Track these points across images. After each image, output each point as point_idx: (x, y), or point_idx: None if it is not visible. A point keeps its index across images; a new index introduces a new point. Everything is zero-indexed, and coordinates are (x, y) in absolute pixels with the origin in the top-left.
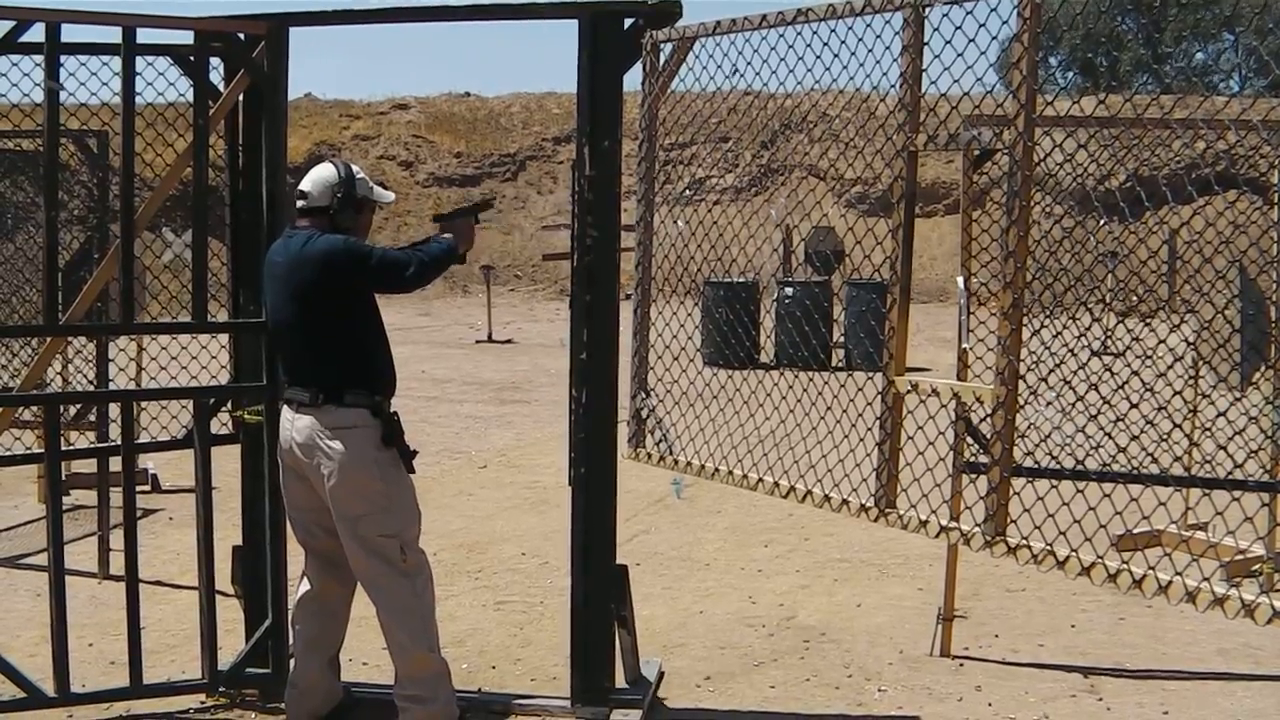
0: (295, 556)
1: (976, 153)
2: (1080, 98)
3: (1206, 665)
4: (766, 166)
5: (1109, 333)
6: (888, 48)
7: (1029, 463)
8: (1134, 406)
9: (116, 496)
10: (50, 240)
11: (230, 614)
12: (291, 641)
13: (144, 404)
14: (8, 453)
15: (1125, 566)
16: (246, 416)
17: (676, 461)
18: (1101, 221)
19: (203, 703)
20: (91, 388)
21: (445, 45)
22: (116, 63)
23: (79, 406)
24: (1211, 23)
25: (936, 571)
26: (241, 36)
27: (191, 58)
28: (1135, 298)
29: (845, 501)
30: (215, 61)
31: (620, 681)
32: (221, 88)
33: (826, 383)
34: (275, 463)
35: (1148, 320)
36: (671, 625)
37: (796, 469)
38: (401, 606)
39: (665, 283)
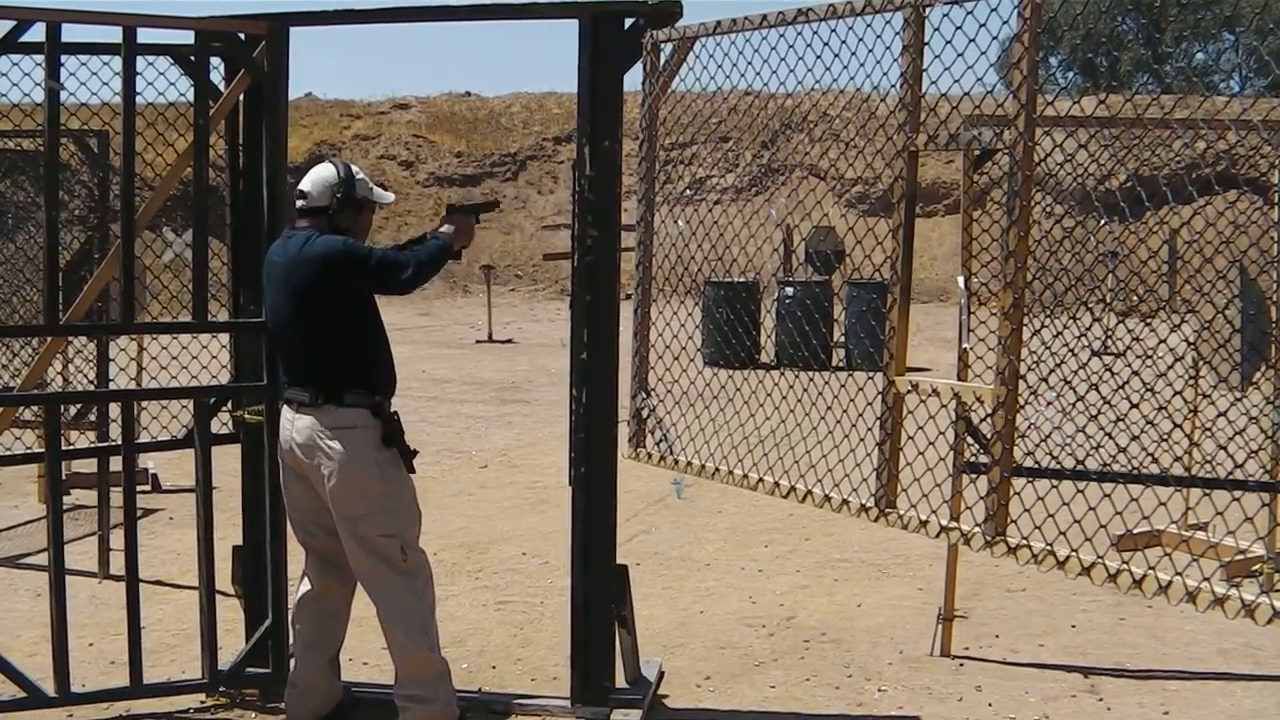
0: (295, 556)
1: (977, 153)
2: (1081, 98)
3: (1207, 665)
4: (767, 166)
5: (1109, 333)
6: (888, 48)
7: (1029, 463)
8: (1134, 406)
9: (117, 496)
10: (51, 240)
11: (230, 614)
12: (291, 641)
13: (144, 404)
14: (8, 452)
15: (1125, 566)
16: (247, 416)
17: (677, 461)
18: (1102, 221)
19: (203, 702)
20: (92, 387)
21: (446, 45)
22: (117, 62)
23: (79, 406)
24: (1212, 23)
25: (937, 571)
26: (242, 36)
27: (192, 57)
28: (1136, 298)
29: (845, 501)
30: (216, 61)
31: (620, 681)
32: (222, 87)
33: (827, 383)
34: (275, 462)
35: (1148, 320)
36: (672, 625)
37: (797, 469)
38: (401, 606)
39: (666, 282)
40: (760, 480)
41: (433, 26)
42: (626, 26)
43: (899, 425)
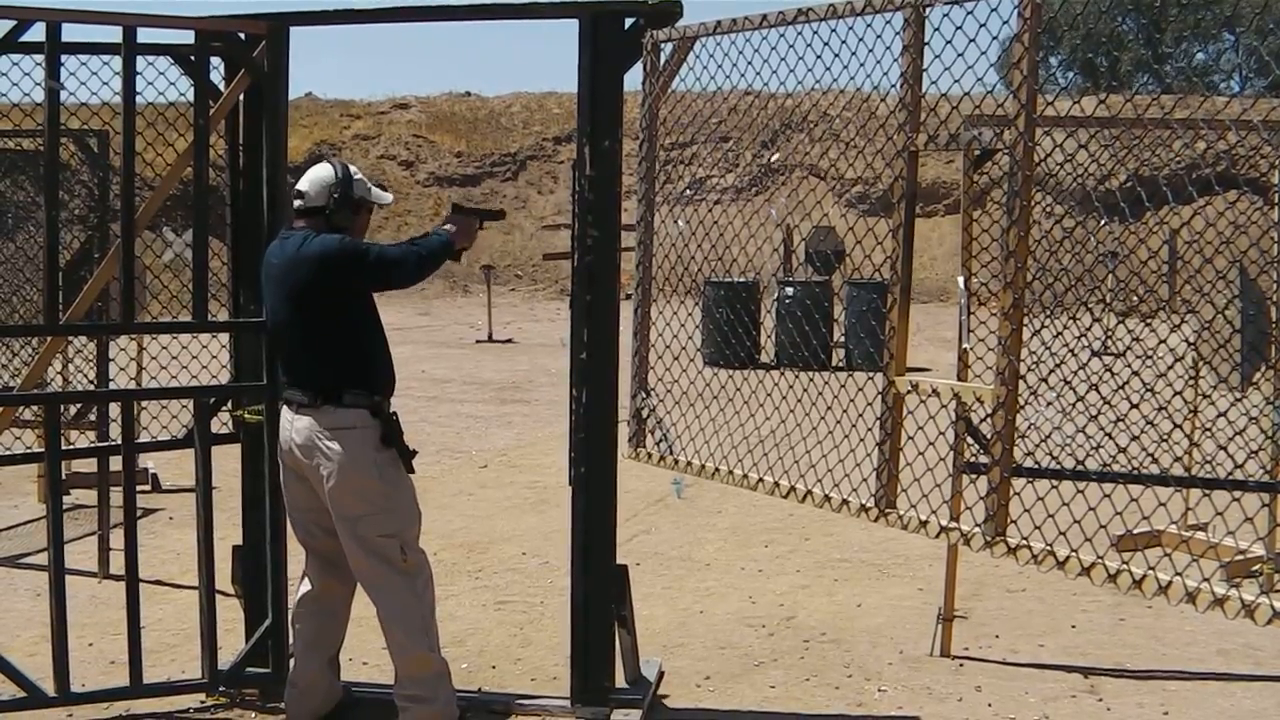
0: (295, 556)
1: (977, 153)
2: (1081, 98)
3: (1206, 666)
4: (767, 166)
5: (1109, 333)
6: (888, 48)
7: (1029, 463)
8: (1134, 407)
9: (117, 496)
10: (51, 240)
11: (230, 614)
12: (291, 641)
13: (144, 403)
14: (8, 452)
15: (1125, 567)
16: (247, 416)
17: (677, 461)
18: (1102, 221)
19: (203, 702)
20: (92, 387)
21: (446, 45)
22: (117, 62)
23: (79, 406)
24: (1212, 23)
25: (936, 572)
26: (242, 36)
27: (192, 57)
28: (1136, 298)
29: (845, 502)
30: (216, 61)
31: (620, 681)
32: (222, 87)
33: (827, 383)
34: (275, 462)
35: (1148, 320)
36: (672, 625)
37: (797, 469)
38: (401, 606)
39: (666, 282)
40: (760, 480)
41: (433, 26)
42: (627, 26)
43: (899, 425)
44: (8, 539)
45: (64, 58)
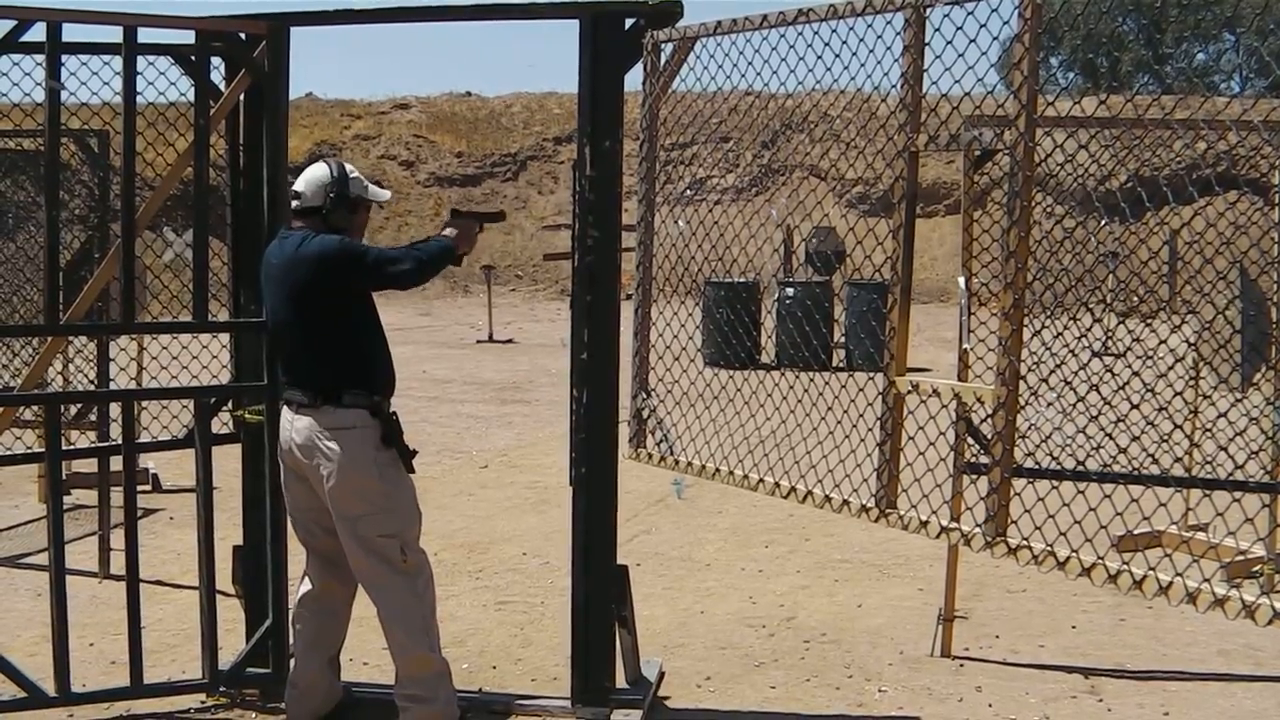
0: (296, 556)
1: (977, 153)
2: (1081, 98)
3: (1207, 666)
4: (767, 166)
5: (1110, 333)
6: (889, 48)
7: (1030, 463)
8: (1135, 407)
9: (117, 496)
10: (51, 240)
11: (231, 614)
12: (292, 641)
13: (145, 403)
14: (8, 452)
15: (1126, 567)
16: (247, 416)
17: (677, 462)
18: (1102, 222)
19: (203, 702)
20: (92, 387)
21: (446, 45)
22: (117, 62)
23: (80, 406)
24: (1212, 23)
25: (937, 572)
26: (242, 36)
27: (192, 57)
28: (1136, 298)
29: (846, 502)
30: (216, 61)
31: (621, 682)
32: (222, 87)
33: (827, 383)
34: (276, 462)
35: (1149, 321)
36: (672, 625)
37: (797, 469)
38: (402, 606)
39: (666, 283)
40: (761, 481)
41: (433, 26)
42: (627, 27)
43: (899, 426)
44: (8, 539)
45: (64, 58)
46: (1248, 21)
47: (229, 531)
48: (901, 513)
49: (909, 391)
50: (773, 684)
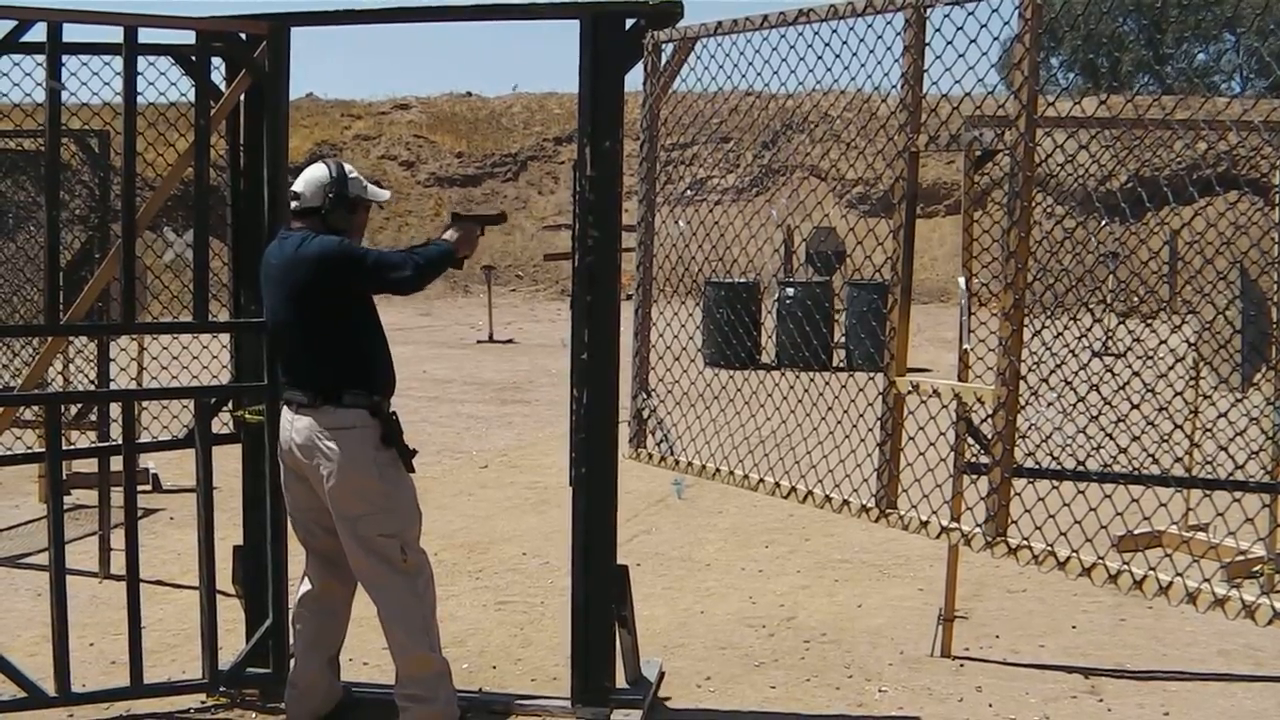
0: (296, 556)
1: (978, 153)
2: (1082, 98)
3: (1207, 666)
4: (767, 167)
5: (1110, 333)
6: (889, 48)
7: (1030, 463)
8: (1135, 407)
9: (117, 496)
10: (52, 240)
11: (231, 614)
12: (292, 641)
13: (145, 403)
14: (9, 452)
15: (1126, 567)
16: (247, 416)
17: (677, 462)
18: (1103, 222)
19: (203, 702)
20: (93, 387)
21: (446, 45)
22: (118, 62)
23: (80, 406)
24: (1213, 24)
25: (937, 572)
26: (243, 36)
27: (193, 57)
28: (1136, 298)
29: (846, 502)
30: (217, 61)
31: (621, 682)
32: (223, 87)
33: (827, 383)
34: (276, 462)
35: (1149, 321)
36: (672, 625)
37: (797, 469)
38: (402, 606)
39: (666, 283)
40: (761, 481)
41: (434, 26)
42: (627, 27)
43: (900, 426)
44: (9, 539)
45: (65, 58)
46: (1248, 22)
47: (229, 531)
48: (902, 513)
49: (909, 391)
50: (773, 684)
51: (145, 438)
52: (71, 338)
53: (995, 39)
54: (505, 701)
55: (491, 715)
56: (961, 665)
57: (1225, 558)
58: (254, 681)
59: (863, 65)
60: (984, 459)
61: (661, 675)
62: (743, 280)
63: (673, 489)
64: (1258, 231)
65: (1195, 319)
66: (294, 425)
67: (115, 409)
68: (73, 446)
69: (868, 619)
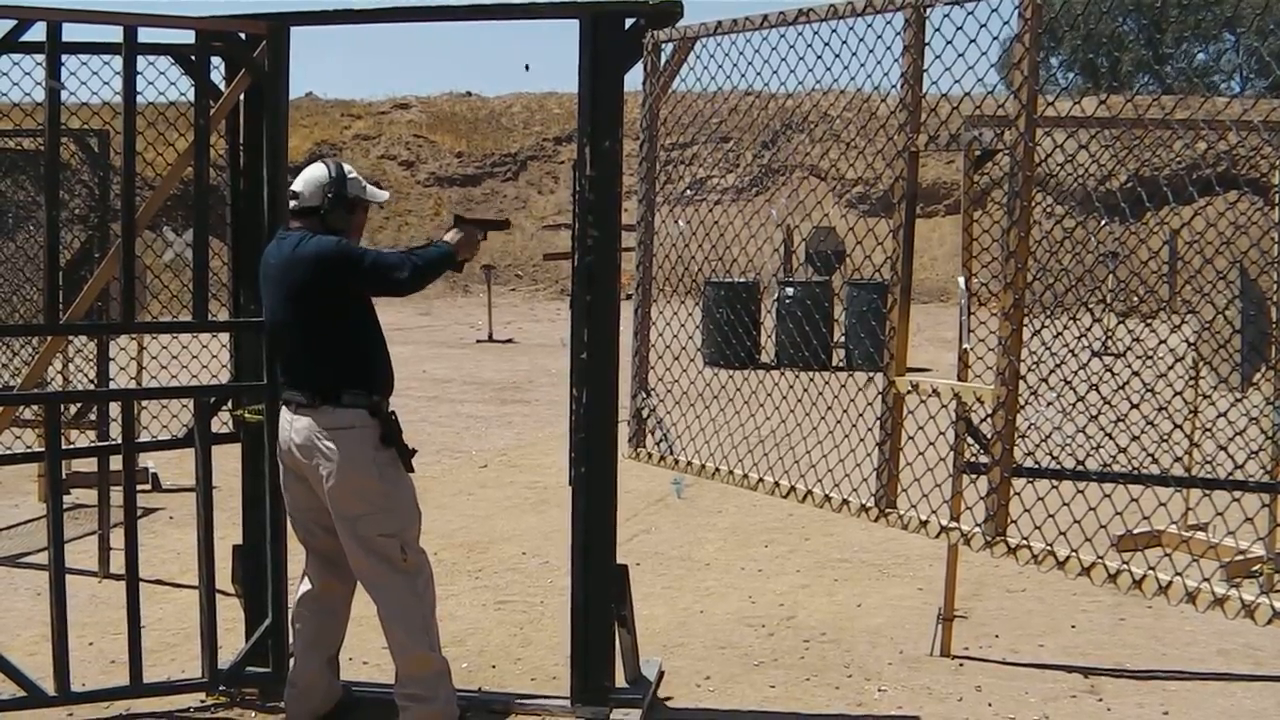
0: (295, 556)
1: (977, 153)
2: (1081, 98)
3: (1207, 666)
4: (767, 166)
5: (1110, 333)
6: (889, 48)
7: (1029, 463)
8: (1134, 407)
9: (117, 495)
10: (51, 239)
11: (230, 613)
12: (291, 641)
13: (144, 403)
14: (8, 451)
15: (1125, 567)
16: (247, 415)
17: (677, 461)
18: (1102, 222)
19: (203, 701)
20: (92, 386)
21: (446, 45)
22: (118, 62)
23: (79, 405)
24: (1213, 24)
25: (937, 572)
26: (242, 36)
27: (193, 57)
28: (1136, 298)
29: (845, 501)
30: (216, 61)
31: (620, 681)
32: (222, 87)
33: (827, 383)
34: (275, 462)
35: (1148, 321)
36: (672, 625)
37: (797, 469)
38: (401, 606)
39: (666, 282)
40: (760, 480)
41: (433, 26)
42: (627, 27)
43: (899, 425)
44: (8, 538)
45: (64, 57)
46: (1248, 22)
47: (229, 531)
48: (901, 512)
49: (909, 391)
50: (772, 683)
51: (145, 437)
52: (71, 337)
53: (995, 39)
54: (505, 701)
55: (491, 714)
56: (961, 665)
57: (1224, 557)
58: (253, 681)
59: (862, 65)
60: (983, 458)
61: (661, 675)
62: (742, 280)
63: (672, 488)
64: (1257, 231)
65: (1195, 319)
66: (293, 425)
67: (115, 408)
68: (72, 446)
69: (867, 618)
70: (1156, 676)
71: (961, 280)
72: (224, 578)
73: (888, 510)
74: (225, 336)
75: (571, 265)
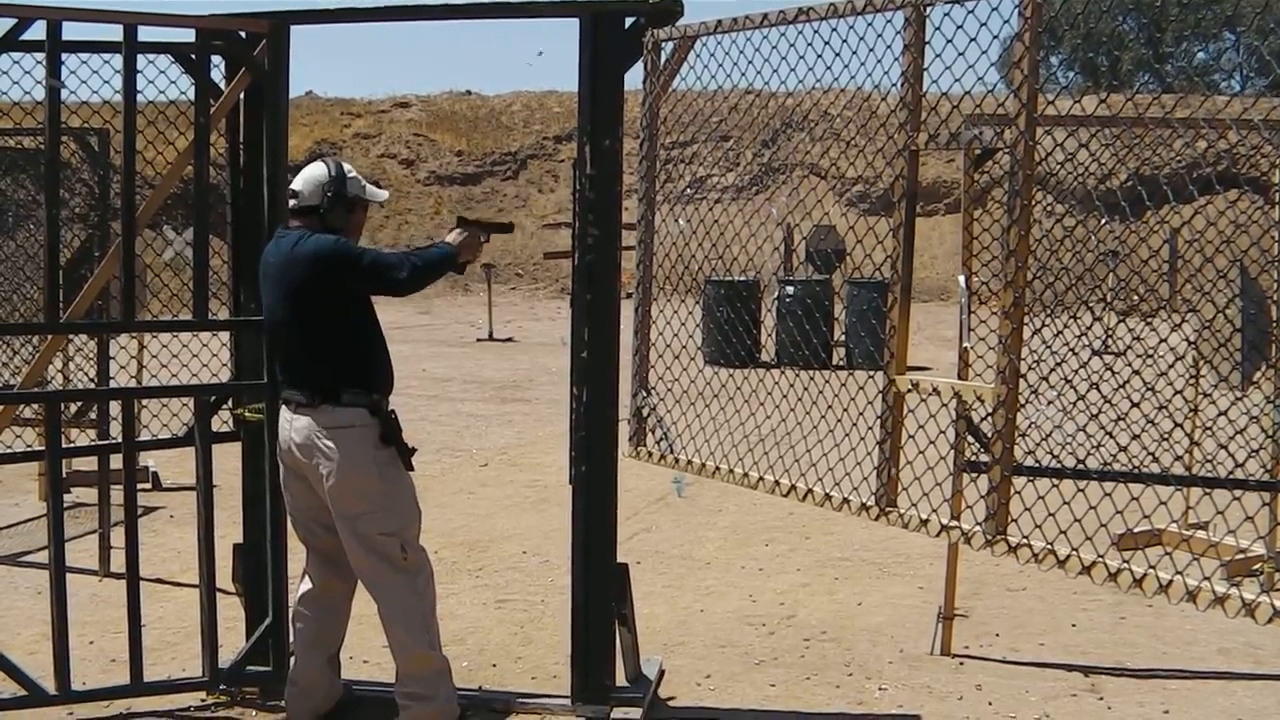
0: (296, 554)
1: (978, 152)
2: (1082, 97)
3: (1207, 664)
4: (767, 165)
5: (1110, 332)
6: (889, 46)
7: (1030, 462)
8: (1135, 405)
9: (117, 494)
10: (51, 238)
11: (231, 612)
12: (292, 639)
13: (145, 402)
14: (8, 450)
15: (1126, 565)
16: (247, 414)
17: (677, 460)
18: (1103, 220)
19: (203, 700)
20: (92, 385)
21: (446, 44)
22: (118, 60)
23: (80, 404)
24: (1213, 22)
25: (937, 570)
26: (243, 34)
27: (193, 55)
28: (1136, 297)
29: (846, 500)
30: (216, 59)
31: (621, 680)
32: (223, 86)
33: (827, 381)
34: (276, 461)
35: (1149, 319)
36: (672, 624)
37: (797, 468)
38: (402, 604)
39: (666, 281)
40: (761, 479)
41: (433, 25)
42: (627, 25)
43: (899, 424)
44: (9, 537)
45: (65, 56)
46: (1248, 20)
47: (229, 529)
48: (901, 511)
49: (909, 390)
50: (773, 682)
51: (145, 436)
52: (71, 336)
53: (995, 37)
54: (505, 699)
55: (491, 713)
56: (961, 663)
57: (1225, 556)
58: (254, 679)
59: (862, 64)
60: (984, 457)
61: (661, 673)
62: (742, 278)
63: (673, 487)
64: (1258, 230)
65: (1195, 317)
66: (293, 425)
67: (115, 407)
68: (72, 444)
69: (868, 617)
70: (1157, 675)
71: (962, 279)
72: (224, 576)
73: (888, 509)
74: (225, 335)
75: (572, 264)
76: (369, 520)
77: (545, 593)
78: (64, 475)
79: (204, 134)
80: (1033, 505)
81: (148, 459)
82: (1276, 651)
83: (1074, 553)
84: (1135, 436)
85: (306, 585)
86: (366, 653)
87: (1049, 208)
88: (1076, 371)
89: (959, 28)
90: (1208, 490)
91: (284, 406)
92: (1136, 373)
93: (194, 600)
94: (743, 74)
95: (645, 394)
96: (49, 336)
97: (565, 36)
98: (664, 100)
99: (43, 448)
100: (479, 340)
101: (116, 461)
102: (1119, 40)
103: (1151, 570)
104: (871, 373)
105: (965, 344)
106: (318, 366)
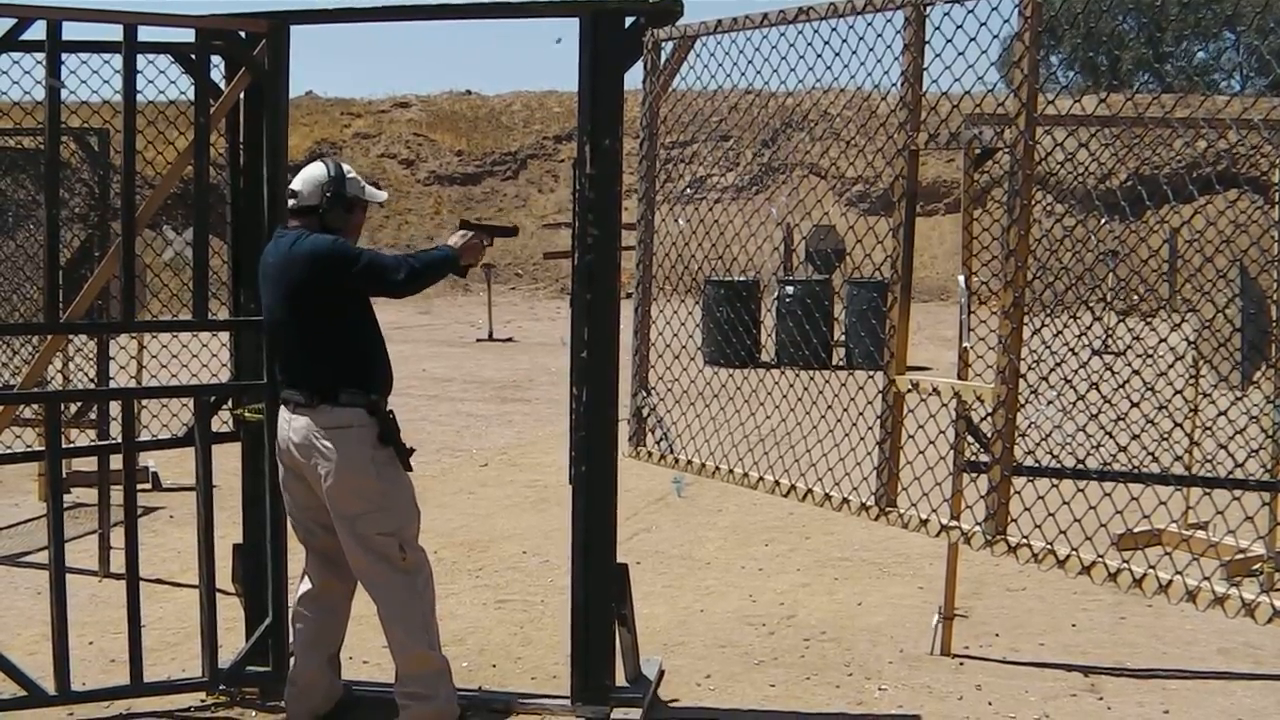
0: (295, 554)
1: (978, 151)
2: (1081, 96)
3: (1207, 664)
4: (767, 165)
5: (1110, 331)
6: (889, 46)
7: (1029, 461)
8: (1135, 405)
9: (117, 494)
10: (51, 238)
11: (231, 612)
12: (292, 639)
13: (145, 402)
14: (8, 450)
15: (1125, 565)
16: (247, 414)
17: (677, 460)
18: (1102, 220)
19: (203, 701)
20: (92, 385)
21: (446, 44)
22: (118, 60)
23: (79, 404)
24: (1213, 22)
25: (937, 570)
26: (243, 34)
27: (193, 55)
28: (1136, 297)
29: (846, 500)
30: (216, 59)
31: (621, 680)
32: (222, 85)
33: (827, 381)
34: (275, 461)
35: (1148, 319)
36: (672, 624)
37: (797, 468)
38: (401, 605)
39: (666, 281)
40: (761, 479)
41: (433, 25)
42: (627, 25)
43: (899, 424)
44: (8, 537)
45: (64, 56)
46: (1248, 20)
47: (229, 530)
48: (901, 511)
49: (909, 390)
50: (772, 682)
51: (145, 436)
52: (71, 336)
53: (995, 37)
54: (505, 700)
55: (491, 713)
56: (961, 663)
57: (1225, 556)
58: (254, 680)
59: (862, 63)
60: (983, 457)
61: (661, 673)
62: (742, 278)
63: (672, 487)
64: (1257, 229)
65: (1195, 317)
66: (291, 425)
67: (115, 407)
68: (72, 445)
69: (868, 617)
70: (1157, 675)
71: (961, 279)
72: (224, 577)
73: (888, 509)
74: (225, 335)
75: (571, 264)
76: (367, 520)
77: (545, 593)
78: (64, 475)
79: (204, 134)
80: (1032, 505)
81: (148, 459)
82: (1276, 651)
83: (1074, 553)
84: (1135, 436)
85: (306, 585)
86: (366, 653)
87: (1049, 207)
88: (1076, 371)
89: (959, 27)
90: (1207, 490)
91: (283, 406)
92: (1136, 373)
93: (194, 600)
94: (742, 74)
95: (645, 394)
96: (49, 336)
97: (567, 34)
98: (664, 100)
99: (43, 448)
100: (479, 340)
101: (116, 462)
102: (1119, 40)
103: (1151, 570)
104: (871, 373)
105: (965, 344)
106: (316, 366)
